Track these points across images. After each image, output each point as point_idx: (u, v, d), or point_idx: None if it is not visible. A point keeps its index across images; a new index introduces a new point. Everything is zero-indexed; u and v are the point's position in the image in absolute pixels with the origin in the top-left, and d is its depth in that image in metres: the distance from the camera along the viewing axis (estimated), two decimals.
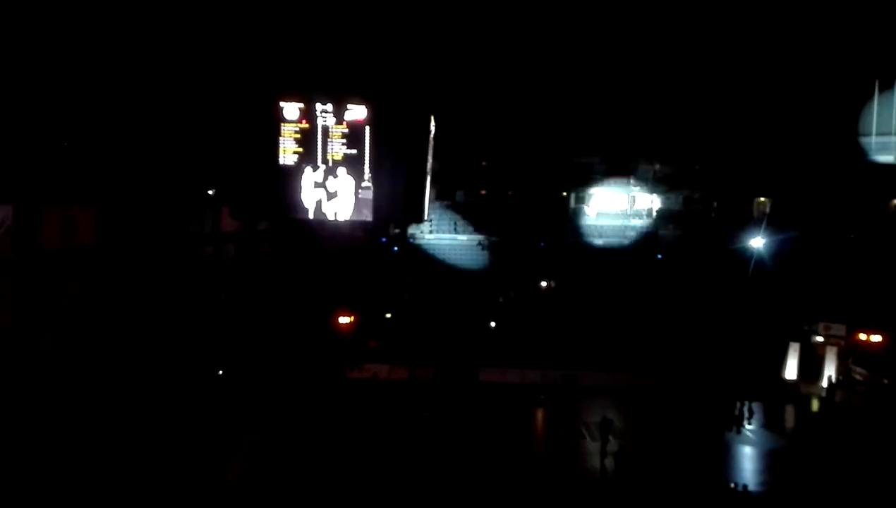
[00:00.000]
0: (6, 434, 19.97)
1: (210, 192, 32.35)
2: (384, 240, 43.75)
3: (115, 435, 21.97)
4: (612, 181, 44.05)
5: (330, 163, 25.11)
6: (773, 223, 38.64)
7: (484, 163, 45.20)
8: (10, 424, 20.29)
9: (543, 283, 43.63)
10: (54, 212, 24.55)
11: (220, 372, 30.33)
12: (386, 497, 20.72)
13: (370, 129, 24.85)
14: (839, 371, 33.21)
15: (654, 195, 44.02)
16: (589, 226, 44.09)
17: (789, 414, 31.36)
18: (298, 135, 25.04)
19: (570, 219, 44.36)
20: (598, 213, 44.10)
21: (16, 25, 21.49)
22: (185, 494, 19.46)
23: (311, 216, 25.34)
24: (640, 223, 43.95)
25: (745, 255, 37.54)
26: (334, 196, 25.20)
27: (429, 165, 27.24)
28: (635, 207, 44.11)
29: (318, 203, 25.26)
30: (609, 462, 23.73)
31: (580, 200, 44.46)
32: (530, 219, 44.10)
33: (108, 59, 25.02)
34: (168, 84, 27.10)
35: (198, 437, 23.29)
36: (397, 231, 43.30)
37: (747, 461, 25.54)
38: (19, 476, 18.79)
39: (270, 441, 25.03)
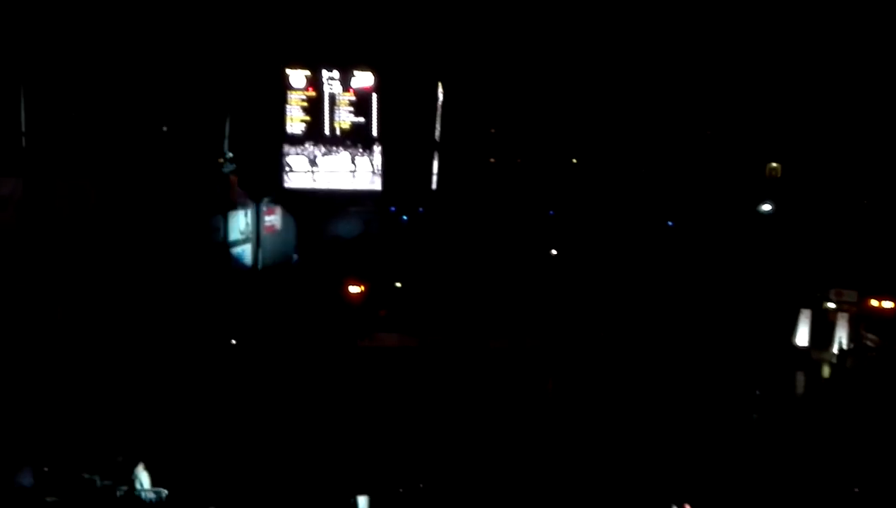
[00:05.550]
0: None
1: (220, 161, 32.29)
2: (393, 209, 43.58)
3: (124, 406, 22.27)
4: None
5: (338, 132, 24.93)
6: (785, 188, 38.29)
7: (493, 131, 44.82)
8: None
9: (554, 251, 43.45)
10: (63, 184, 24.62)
11: (233, 342, 30.55)
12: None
13: (377, 97, 24.66)
14: (850, 337, 33.09)
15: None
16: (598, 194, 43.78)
17: (799, 380, 31.37)
18: (305, 104, 24.84)
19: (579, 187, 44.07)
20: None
21: None
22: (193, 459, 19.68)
23: (319, 185, 25.26)
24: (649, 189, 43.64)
25: (756, 221, 37.19)
26: (343, 165, 25.06)
27: (437, 134, 27.05)
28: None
29: (327, 172, 25.15)
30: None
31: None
32: (540, 187, 43.81)
33: (115, 28, 24.84)
34: (176, 52, 26.91)
35: (209, 406, 23.49)
36: None
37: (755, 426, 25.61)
38: None
39: (282, 410, 25.18)
